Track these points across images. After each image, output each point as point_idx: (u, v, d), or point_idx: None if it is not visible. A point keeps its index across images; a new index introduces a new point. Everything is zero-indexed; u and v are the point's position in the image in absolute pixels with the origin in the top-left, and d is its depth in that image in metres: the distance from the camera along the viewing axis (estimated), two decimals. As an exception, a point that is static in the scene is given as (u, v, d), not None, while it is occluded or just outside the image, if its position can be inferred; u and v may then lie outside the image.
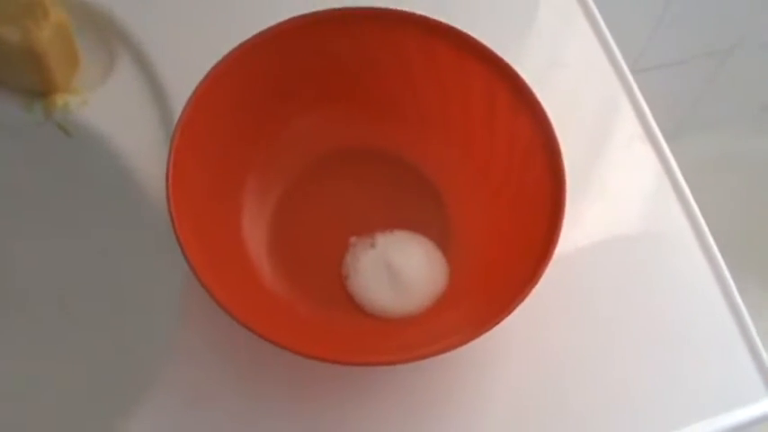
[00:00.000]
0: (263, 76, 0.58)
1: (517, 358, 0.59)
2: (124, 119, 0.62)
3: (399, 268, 0.58)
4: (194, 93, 0.55)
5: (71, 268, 0.62)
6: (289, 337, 0.50)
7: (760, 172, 1.25)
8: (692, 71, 1.15)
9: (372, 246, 0.60)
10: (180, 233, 0.50)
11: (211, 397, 0.54)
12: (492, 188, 0.60)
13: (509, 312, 0.51)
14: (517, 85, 0.57)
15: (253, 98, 0.58)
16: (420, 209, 0.62)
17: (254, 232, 0.59)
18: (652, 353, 0.60)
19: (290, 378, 0.55)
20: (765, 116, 1.27)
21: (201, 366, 0.55)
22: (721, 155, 1.26)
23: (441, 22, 0.58)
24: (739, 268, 1.27)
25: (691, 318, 0.62)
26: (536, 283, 0.51)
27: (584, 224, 0.63)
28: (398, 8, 0.58)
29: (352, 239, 0.60)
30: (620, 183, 0.66)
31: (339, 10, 0.58)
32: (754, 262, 1.29)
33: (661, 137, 0.68)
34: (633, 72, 0.73)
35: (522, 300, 0.51)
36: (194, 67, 0.55)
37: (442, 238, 0.61)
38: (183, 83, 0.56)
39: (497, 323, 0.50)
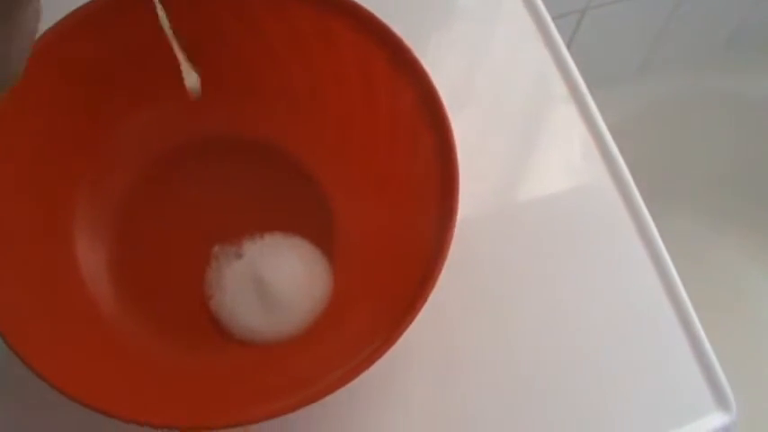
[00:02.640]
0: (81, 64, 0.47)
1: (422, 374, 0.50)
2: None
3: (271, 281, 0.48)
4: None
5: None
6: (120, 399, 0.39)
7: (727, 110, 1.16)
8: (655, 4, 1.04)
9: (239, 255, 0.49)
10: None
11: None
12: (377, 173, 0.50)
13: (409, 322, 0.41)
14: (395, 48, 0.47)
15: (72, 93, 0.47)
16: (296, 205, 0.52)
17: (91, 254, 0.48)
18: (580, 349, 0.52)
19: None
20: (730, 52, 1.17)
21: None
22: (685, 93, 1.17)
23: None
24: (717, 213, 1.21)
25: (630, 313, 0.54)
26: (435, 280, 0.42)
27: (499, 196, 0.55)
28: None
29: (215, 249, 0.50)
30: (541, 146, 0.58)
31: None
32: (724, 203, 1.22)
33: (587, 93, 0.57)
34: (590, 8, 0.63)
35: (421, 306, 0.41)
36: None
37: (325, 239, 0.50)
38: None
39: (396, 338, 0.41)
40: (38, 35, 0.44)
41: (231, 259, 0.49)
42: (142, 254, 0.50)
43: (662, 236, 0.55)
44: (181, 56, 0.48)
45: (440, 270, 0.42)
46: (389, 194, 0.49)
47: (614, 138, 0.58)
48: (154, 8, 0.46)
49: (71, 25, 0.45)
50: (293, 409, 0.40)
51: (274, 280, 0.48)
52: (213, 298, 0.48)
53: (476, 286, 0.52)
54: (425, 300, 0.41)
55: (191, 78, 0.49)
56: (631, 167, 0.57)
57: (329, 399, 0.40)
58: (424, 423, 0.49)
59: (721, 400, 0.50)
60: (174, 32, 0.47)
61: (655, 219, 0.55)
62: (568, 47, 0.60)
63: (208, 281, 0.49)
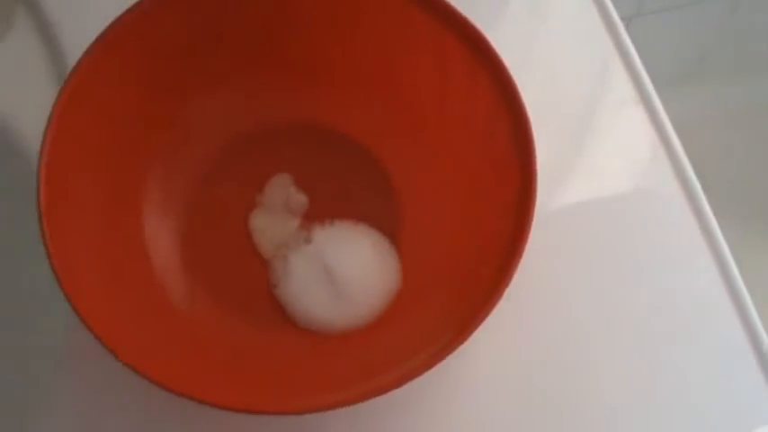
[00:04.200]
0: (164, 42, 0.47)
1: (487, 372, 0.48)
2: (17, 87, 0.53)
3: (339, 269, 0.47)
4: (77, 66, 0.44)
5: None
6: (194, 381, 0.39)
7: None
8: (703, 15, 1.03)
9: (307, 241, 0.49)
10: (54, 256, 0.39)
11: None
12: (450, 165, 0.49)
13: (482, 319, 0.40)
14: (474, 41, 0.46)
15: (155, 67, 0.47)
16: (365, 193, 0.51)
17: (159, 236, 0.47)
18: (643, 353, 0.50)
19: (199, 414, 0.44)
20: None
21: (91, 415, 0.45)
22: (732, 104, 1.16)
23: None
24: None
25: (695, 319, 0.52)
26: (510, 279, 0.41)
27: (566, 197, 0.54)
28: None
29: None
30: (608, 148, 0.57)
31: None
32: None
33: (655, 96, 0.57)
34: (638, 16, 0.62)
35: (496, 301, 0.40)
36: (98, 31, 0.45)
37: (393, 228, 0.50)
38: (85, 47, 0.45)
39: (469, 334, 0.40)
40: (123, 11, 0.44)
41: (299, 245, 0.49)
42: (210, 236, 0.49)
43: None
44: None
45: (516, 265, 0.41)
46: (462, 185, 0.48)
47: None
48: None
49: (158, 2, 0.45)
50: (356, 401, 0.39)
51: (343, 268, 0.47)
52: (279, 285, 0.48)
53: (541, 287, 0.51)
54: (500, 296, 0.40)
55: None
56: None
57: (391, 394, 0.39)
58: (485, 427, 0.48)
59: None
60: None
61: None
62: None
63: (273, 267, 0.49)
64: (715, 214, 0.54)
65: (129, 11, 0.45)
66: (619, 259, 0.53)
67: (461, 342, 0.39)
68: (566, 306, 0.51)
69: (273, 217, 0.49)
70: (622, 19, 0.66)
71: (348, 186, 0.51)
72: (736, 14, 1.08)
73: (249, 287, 0.48)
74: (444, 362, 0.39)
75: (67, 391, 0.46)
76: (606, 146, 0.57)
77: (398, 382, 0.39)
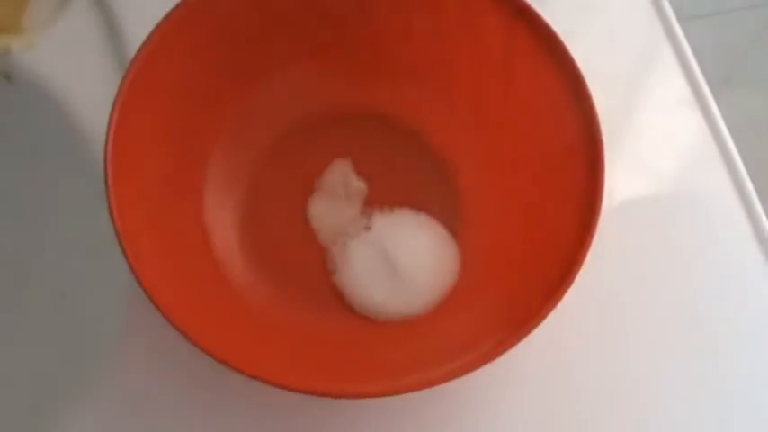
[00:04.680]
0: (230, 22, 0.47)
1: (539, 370, 0.48)
2: (76, 66, 0.53)
3: (399, 256, 0.47)
4: (144, 44, 0.44)
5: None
6: (252, 359, 0.39)
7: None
8: (741, 21, 1.03)
9: (367, 228, 0.49)
10: (120, 226, 0.40)
11: (157, 409, 0.46)
12: (513, 160, 0.49)
13: (543, 317, 0.40)
14: (542, 33, 0.46)
15: (218, 50, 0.47)
16: (424, 182, 0.51)
17: (220, 217, 0.48)
18: (697, 358, 0.50)
19: (255, 396, 0.44)
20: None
21: (148, 377, 0.46)
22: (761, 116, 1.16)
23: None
24: None
25: (744, 319, 0.51)
26: (574, 277, 0.40)
27: (618, 197, 0.52)
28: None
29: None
30: (660, 148, 0.56)
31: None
32: None
33: (709, 95, 0.57)
34: (679, 20, 0.62)
35: (559, 300, 0.40)
36: (159, 9, 0.45)
37: (452, 219, 0.49)
38: (145, 27, 0.45)
39: (528, 332, 0.39)
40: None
41: (359, 231, 0.48)
42: (269, 219, 0.49)
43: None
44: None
45: (581, 264, 0.41)
46: (525, 181, 0.48)
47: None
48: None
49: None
50: (408, 390, 0.39)
51: (402, 256, 0.47)
52: (337, 271, 0.48)
53: (594, 289, 0.51)
54: (561, 297, 0.40)
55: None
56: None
57: (443, 387, 0.39)
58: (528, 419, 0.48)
59: None
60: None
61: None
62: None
63: (332, 253, 0.48)
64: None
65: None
66: (671, 261, 0.53)
67: (515, 343, 0.39)
68: (616, 309, 0.50)
69: (332, 203, 0.49)
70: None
71: (408, 176, 0.51)
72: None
73: (307, 272, 0.48)
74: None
75: (126, 367, 0.47)
76: (658, 145, 0.56)
77: (447, 377, 0.39)
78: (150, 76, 0.44)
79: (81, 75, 0.53)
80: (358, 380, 0.42)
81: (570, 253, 0.41)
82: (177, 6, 0.44)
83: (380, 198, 0.50)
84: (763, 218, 0.54)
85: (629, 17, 0.60)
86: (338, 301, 0.48)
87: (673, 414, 0.48)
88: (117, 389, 0.46)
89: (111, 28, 0.54)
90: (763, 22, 1.06)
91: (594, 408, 0.48)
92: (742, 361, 0.50)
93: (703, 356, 0.50)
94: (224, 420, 0.45)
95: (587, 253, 0.41)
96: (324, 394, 0.39)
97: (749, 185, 0.55)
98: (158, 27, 0.44)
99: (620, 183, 0.54)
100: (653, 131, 0.57)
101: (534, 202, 0.47)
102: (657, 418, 0.48)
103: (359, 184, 0.50)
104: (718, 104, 0.59)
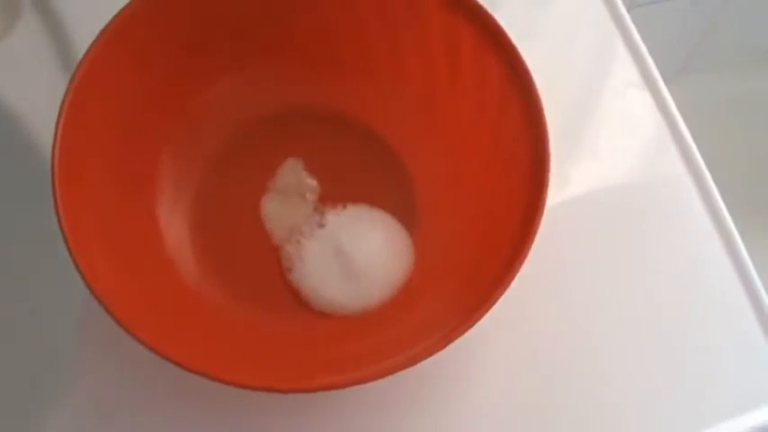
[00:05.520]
0: (174, 26, 0.47)
1: (498, 353, 0.49)
2: (27, 78, 0.54)
3: (353, 252, 0.48)
4: (87, 52, 0.44)
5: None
6: (208, 359, 0.39)
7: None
8: (694, 7, 1.04)
9: (321, 225, 0.49)
10: (69, 234, 0.40)
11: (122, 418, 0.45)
12: (462, 150, 0.49)
13: (493, 302, 0.40)
14: (486, 26, 0.46)
15: (164, 54, 0.47)
16: (377, 177, 0.51)
17: (173, 220, 0.48)
18: (654, 339, 0.51)
19: (217, 395, 0.44)
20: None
21: (108, 384, 0.46)
22: (725, 97, 1.17)
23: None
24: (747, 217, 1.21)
25: (700, 301, 0.52)
26: (521, 262, 0.41)
27: (573, 185, 0.54)
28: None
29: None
30: (614, 135, 0.57)
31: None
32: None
33: (661, 81, 0.57)
34: (629, 9, 0.63)
35: (508, 284, 0.40)
36: (107, 18, 0.45)
37: (406, 212, 0.50)
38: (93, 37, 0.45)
39: (479, 317, 0.40)
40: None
41: (313, 229, 0.49)
42: (223, 221, 0.50)
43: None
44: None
45: (527, 251, 0.41)
46: (473, 170, 0.48)
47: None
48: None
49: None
50: (364, 380, 0.39)
51: (356, 251, 0.48)
52: (293, 269, 0.48)
53: (549, 275, 0.51)
54: (511, 280, 0.40)
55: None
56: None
57: (400, 376, 0.40)
58: (492, 411, 0.48)
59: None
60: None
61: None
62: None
63: (287, 252, 0.49)
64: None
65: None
66: (627, 246, 0.53)
67: (470, 326, 0.40)
68: (573, 294, 0.51)
69: (285, 202, 0.50)
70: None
71: (360, 171, 0.51)
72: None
73: (263, 271, 0.49)
74: (452, 346, 0.40)
75: (85, 376, 0.47)
76: (612, 132, 0.57)
77: (408, 363, 0.39)
78: (95, 83, 0.44)
79: (30, 88, 0.53)
80: (315, 374, 0.42)
81: (517, 242, 0.42)
82: (120, 13, 0.45)
83: (334, 195, 0.50)
84: (719, 199, 0.55)
85: (578, 7, 0.60)
86: (294, 298, 0.48)
87: (624, 390, 0.49)
88: (78, 399, 0.46)
89: (61, 40, 0.54)
90: (720, 5, 1.07)
91: (555, 385, 0.49)
92: (699, 340, 0.51)
93: (659, 336, 0.51)
94: (188, 425, 0.46)
95: (532, 243, 0.41)
96: (276, 390, 0.39)
97: (704, 170, 0.56)
98: (101, 34, 0.44)
99: (575, 170, 0.55)
100: (606, 119, 0.58)
101: (484, 194, 0.47)
102: (610, 393, 0.49)
103: (311, 183, 0.50)
104: (677, 90, 0.59)
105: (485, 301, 0.40)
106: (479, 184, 0.47)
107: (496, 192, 0.46)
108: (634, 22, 0.71)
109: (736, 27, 1.12)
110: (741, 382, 0.51)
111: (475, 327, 0.40)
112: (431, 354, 0.39)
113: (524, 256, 0.41)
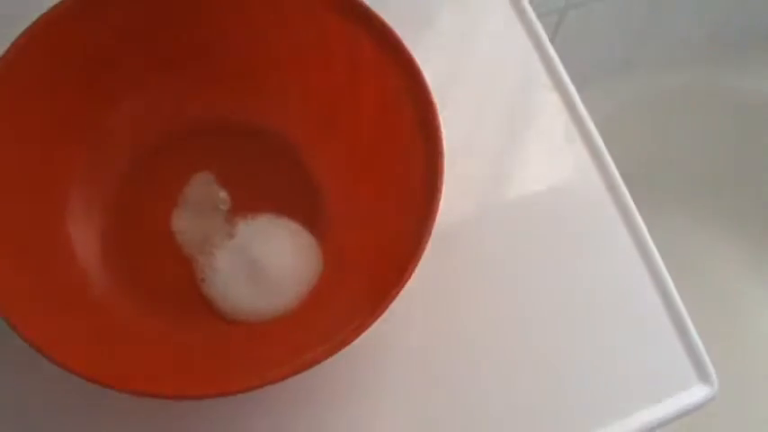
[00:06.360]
0: (80, 47, 0.48)
1: (411, 350, 0.51)
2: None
3: (263, 261, 0.49)
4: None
5: None
6: (118, 372, 0.40)
7: (710, 106, 1.18)
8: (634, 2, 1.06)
9: (231, 236, 0.50)
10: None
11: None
12: (364, 156, 0.51)
13: (392, 299, 0.42)
14: (381, 32, 0.48)
15: (69, 75, 0.48)
16: (285, 186, 0.53)
17: (83, 237, 0.49)
18: (562, 338, 0.53)
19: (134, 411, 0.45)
20: (712, 49, 1.18)
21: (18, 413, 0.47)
22: (669, 90, 1.19)
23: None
24: (701, 207, 1.23)
25: (608, 295, 0.54)
26: (418, 259, 0.43)
27: (480, 187, 0.56)
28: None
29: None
30: (528, 142, 0.59)
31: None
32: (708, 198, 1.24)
33: (569, 83, 0.58)
34: (570, 7, 0.63)
35: (403, 285, 0.42)
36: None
37: (314, 220, 0.51)
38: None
39: (379, 314, 0.42)
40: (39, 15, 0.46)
41: (224, 240, 0.50)
42: (135, 236, 0.51)
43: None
44: None
45: (423, 248, 0.43)
46: (375, 176, 0.50)
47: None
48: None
49: (71, 6, 0.47)
50: (279, 379, 0.41)
51: (266, 260, 0.49)
52: (206, 279, 0.49)
53: (462, 275, 0.53)
54: (407, 279, 0.42)
55: None
56: (615, 164, 0.58)
57: (320, 373, 0.41)
58: (407, 395, 0.50)
59: (703, 375, 0.51)
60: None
61: (639, 212, 0.57)
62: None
63: (200, 263, 0.50)
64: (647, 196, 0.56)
65: (46, 14, 0.46)
66: (538, 244, 0.55)
67: (372, 322, 0.42)
68: (481, 293, 0.53)
69: (196, 215, 0.51)
70: (556, 11, 0.67)
71: (269, 181, 0.53)
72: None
73: (177, 283, 0.50)
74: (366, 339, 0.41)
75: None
76: (527, 139, 0.59)
77: (314, 362, 0.41)
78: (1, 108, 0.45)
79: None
80: (231, 378, 0.43)
81: (414, 241, 0.44)
82: (23, 34, 0.46)
83: (244, 206, 0.52)
84: (629, 200, 0.56)
85: (485, 11, 0.62)
86: (208, 308, 0.49)
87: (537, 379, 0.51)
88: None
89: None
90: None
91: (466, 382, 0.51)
92: (613, 331, 0.53)
93: (575, 331, 0.53)
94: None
95: (429, 237, 0.43)
96: (190, 396, 0.41)
97: (614, 170, 0.57)
98: (3, 56, 0.45)
99: (484, 176, 0.56)
100: (517, 128, 0.59)
101: (384, 199, 0.49)
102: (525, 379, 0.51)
103: (221, 194, 0.52)
104: (622, 86, 0.60)
105: (383, 300, 0.42)
106: (380, 190, 0.49)
107: (395, 198, 0.48)
108: (572, 21, 0.71)
109: (673, 22, 1.14)
110: (653, 372, 0.52)
111: (380, 337, 0.42)
112: (333, 353, 0.41)
113: (419, 257, 0.43)
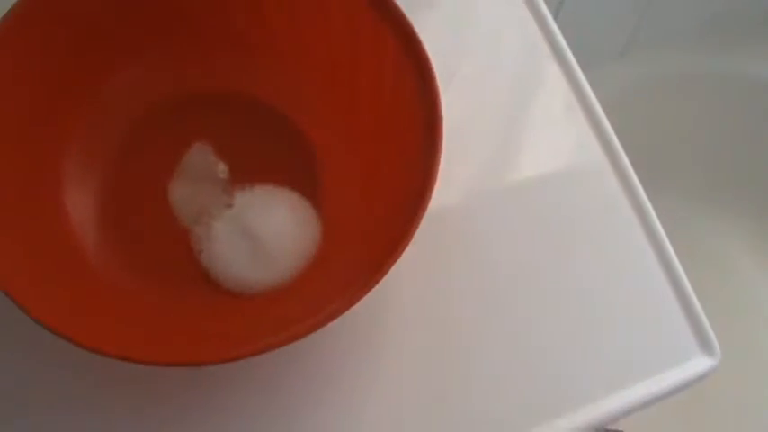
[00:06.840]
0: (76, 14, 0.48)
1: (407, 325, 0.50)
2: None
3: (260, 231, 0.49)
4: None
5: None
6: (112, 338, 0.40)
7: (710, 91, 1.17)
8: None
9: (228, 206, 0.50)
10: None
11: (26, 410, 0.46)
12: (363, 125, 0.50)
13: (389, 266, 0.41)
14: (382, 2, 0.47)
15: (67, 43, 0.48)
16: (284, 157, 0.52)
17: (81, 206, 0.48)
18: (567, 309, 0.52)
19: (122, 378, 0.45)
20: (712, 33, 1.18)
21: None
22: (669, 73, 1.19)
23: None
24: (698, 191, 1.23)
25: (613, 269, 0.54)
26: (413, 231, 0.42)
27: (479, 163, 0.55)
28: None
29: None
30: (531, 123, 0.58)
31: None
32: (705, 180, 1.25)
33: (574, 61, 0.58)
34: None
35: (398, 256, 0.42)
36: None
37: (311, 189, 0.51)
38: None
39: (375, 282, 0.41)
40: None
41: (221, 210, 0.49)
42: (132, 206, 0.50)
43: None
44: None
45: (420, 218, 0.42)
46: (374, 147, 0.49)
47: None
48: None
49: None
50: (275, 346, 0.40)
51: (263, 230, 0.49)
52: (203, 250, 0.49)
53: (461, 246, 0.52)
54: (403, 249, 0.42)
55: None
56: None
57: (324, 336, 0.41)
58: (406, 357, 0.50)
59: (706, 346, 0.51)
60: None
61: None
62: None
63: (197, 234, 0.49)
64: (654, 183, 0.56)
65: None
66: (546, 225, 0.55)
67: (369, 290, 0.41)
68: (493, 268, 0.53)
69: (194, 186, 0.50)
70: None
71: (267, 151, 0.52)
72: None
73: (174, 254, 0.49)
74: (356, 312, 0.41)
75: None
76: (530, 120, 0.58)
77: (312, 329, 0.40)
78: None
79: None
80: (227, 346, 0.43)
81: (413, 207, 0.43)
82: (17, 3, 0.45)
83: (242, 176, 0.51)
84: (635, 179, 0.56)
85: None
86: (206, 279, 0.49)
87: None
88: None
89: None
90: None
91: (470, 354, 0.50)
92: (618, 304, 0.53)
93: (580, 303, 0.53)
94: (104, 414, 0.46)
95: (428, 204, 0.43)
96: (194, 363, 0.41)
97: (620, 150, 0.57)
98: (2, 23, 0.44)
99: (487, 158, 0.55)
100: (520, 109, 0.58)
101: (383, 166, 0.49)
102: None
103: (219, 165, 0.51)
104: (617, 74, 0.60)
105: (379, 268, 0.41)
106: (379, 157, 0.49)
107: (393, 165, 0.48)
108: (573, 4, 0.70)
109: (674, 6, 1.14)
110: (657, 343, 0.52)
111: (372, 312, 0.42)
112: (330, 320, 0.41)
113: (417, 223, 0.42)
